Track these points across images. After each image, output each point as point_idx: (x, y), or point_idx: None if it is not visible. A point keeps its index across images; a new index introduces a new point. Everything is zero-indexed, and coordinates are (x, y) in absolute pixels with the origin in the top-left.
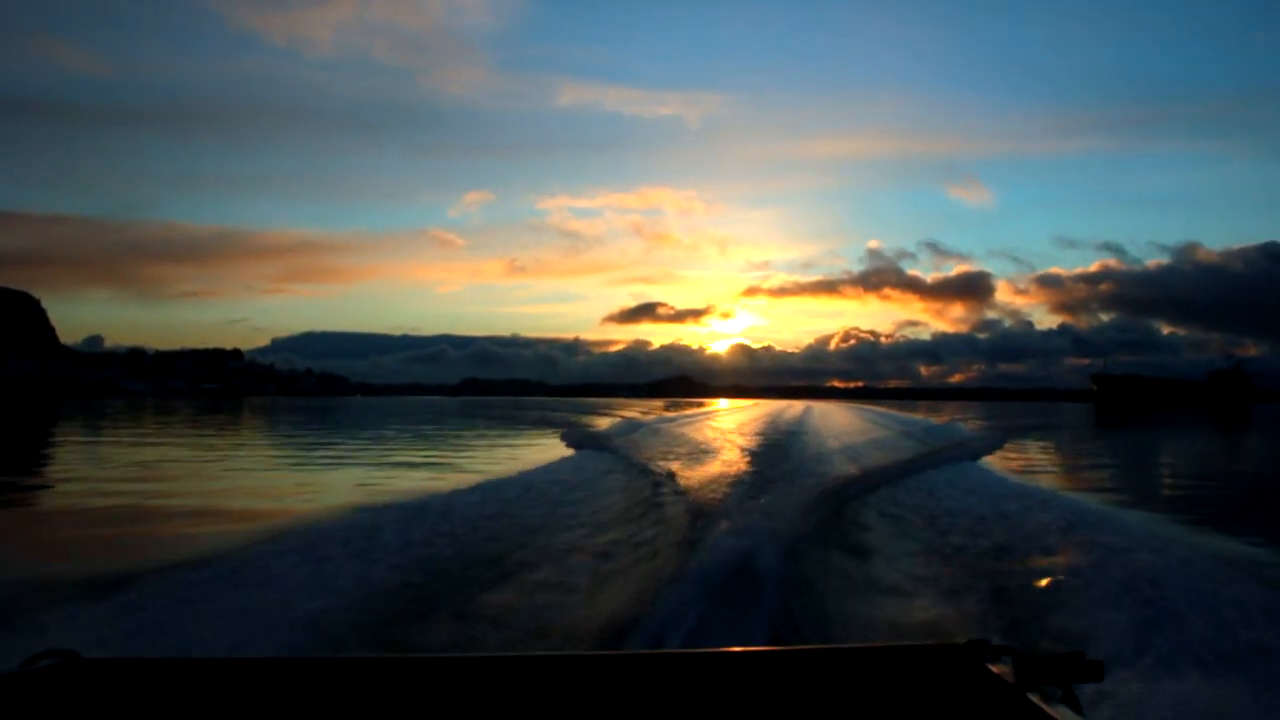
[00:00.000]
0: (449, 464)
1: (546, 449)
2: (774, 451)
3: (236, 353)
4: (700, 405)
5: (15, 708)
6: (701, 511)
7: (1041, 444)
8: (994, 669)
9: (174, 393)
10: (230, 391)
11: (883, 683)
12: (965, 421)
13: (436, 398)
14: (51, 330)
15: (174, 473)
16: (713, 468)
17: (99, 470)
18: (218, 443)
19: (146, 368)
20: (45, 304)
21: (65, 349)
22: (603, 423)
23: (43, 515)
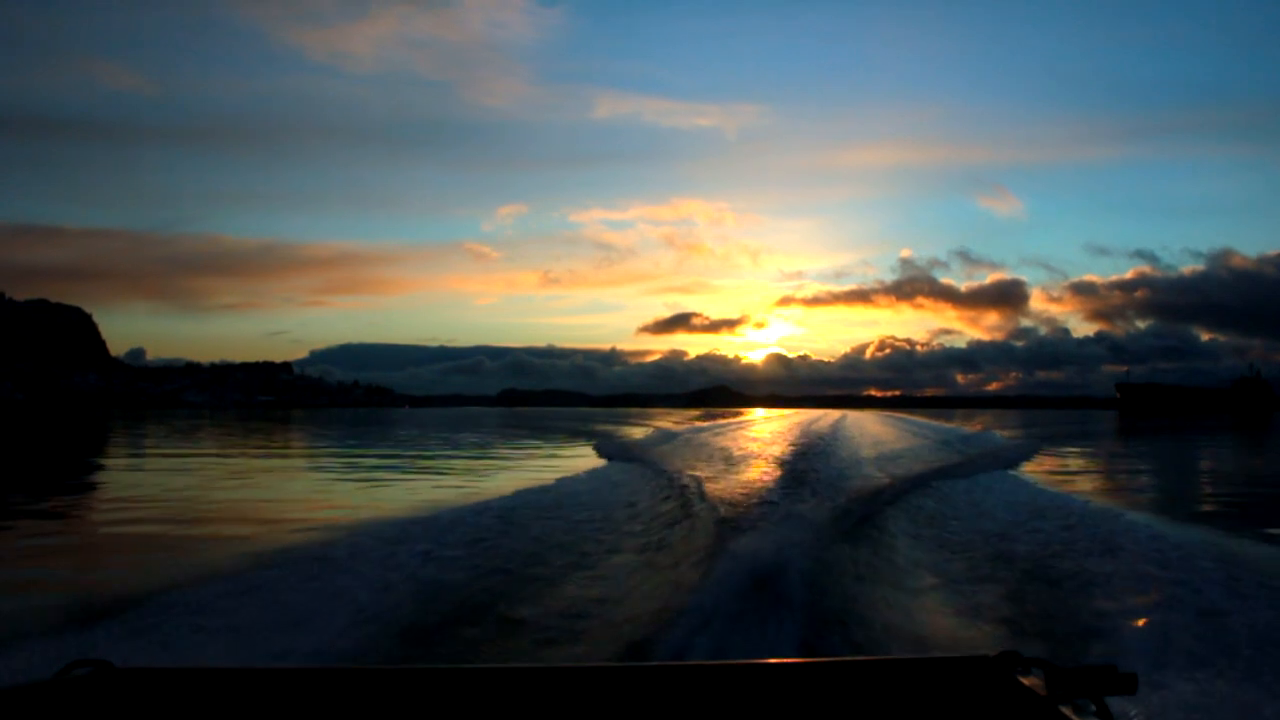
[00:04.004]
0: (484, 472)
1: (579, 460)
2: (806, 460)
3: (287, 366)
4: (737, 415)
5: (49, 717)
6: (731, 521)
7: (1067, 450)
8: (1025, 681)
9: (233, 405)
10: (284, 403)
11: (912, 695)
12: (998, 430)
13: (478, 408)
14: (103, 344)
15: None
16: (744, 477)
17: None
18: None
19: (204, 381)
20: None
21: (117, 362)
22: (638, 433)
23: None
